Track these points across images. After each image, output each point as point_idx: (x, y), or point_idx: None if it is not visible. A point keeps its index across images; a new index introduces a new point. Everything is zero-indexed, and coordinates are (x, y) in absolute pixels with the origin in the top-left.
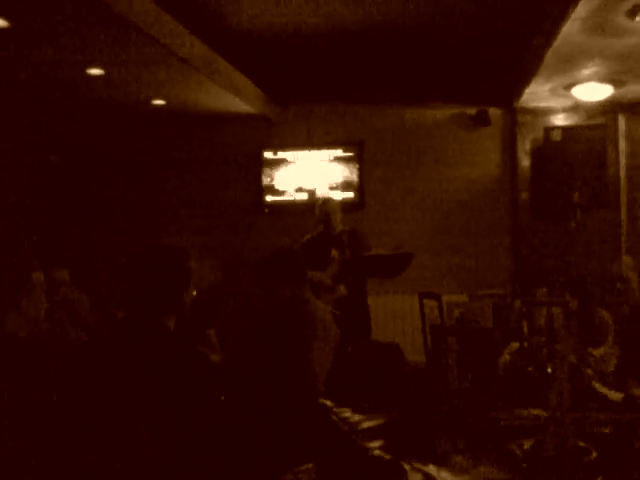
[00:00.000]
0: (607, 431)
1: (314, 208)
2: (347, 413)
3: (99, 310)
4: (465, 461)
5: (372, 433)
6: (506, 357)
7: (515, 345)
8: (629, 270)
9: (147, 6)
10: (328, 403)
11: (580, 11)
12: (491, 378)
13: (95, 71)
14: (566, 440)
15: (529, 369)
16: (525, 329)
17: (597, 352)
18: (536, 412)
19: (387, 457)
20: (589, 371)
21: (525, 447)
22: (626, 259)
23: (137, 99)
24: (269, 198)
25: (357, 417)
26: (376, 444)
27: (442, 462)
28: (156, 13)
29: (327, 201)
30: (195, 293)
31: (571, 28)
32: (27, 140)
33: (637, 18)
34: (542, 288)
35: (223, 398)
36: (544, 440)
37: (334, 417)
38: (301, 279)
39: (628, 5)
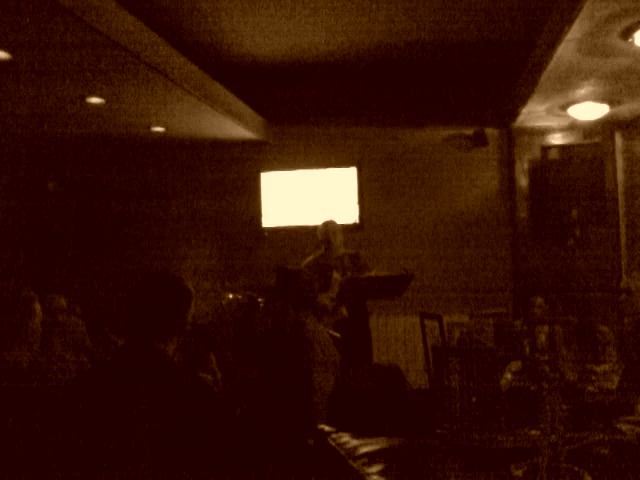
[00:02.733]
0: (605, 452)
1: (314, 230)
2: (345, 438)
3: (97, 336)
4: None
5: (371, 458)
6: (508, 377)
7: (517, 364)
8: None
9: (147, 35)
10: (326, 428)
11: (575, 32)
12: (494, 398)
13: (94, 100)
14: (559, 463)
15: (532, 388)
16: (527, 348)
17: (600, 369)
18: (538, 432)
19: None
20: (591, 388)
21: (523, 469)
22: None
23: (136, 126)
24: (268, 221)
25: (355, 442)
26: (375, 469)
27: None
28: (155, 42)
29: (328, 223)
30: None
31: (566, 49)
32: (25, 168)
33: (630, 39)
34: (538, 297)
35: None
36: (538, 463)
37: (331, 442)
38: (301, 302)
39: (622, 26)
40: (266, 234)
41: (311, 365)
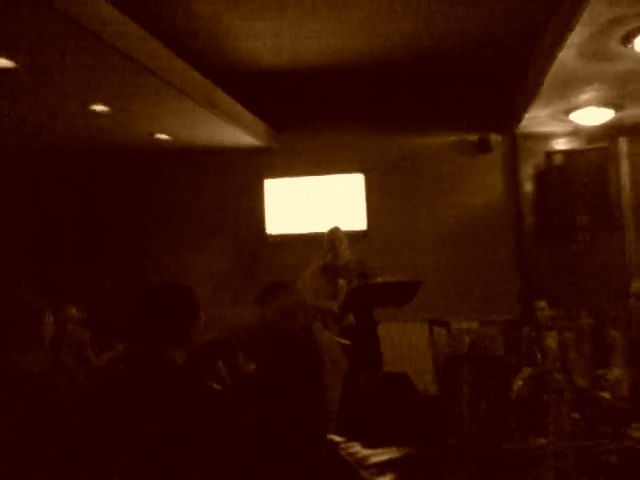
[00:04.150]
0: (614, 460)
1: (319, 237)
2: (356, 448)
3: (103, 344)
4: None
5: (381, 468)
6: (519, 384)
7: (527, 371)
8: None
9: (150, 43)
10: (336, 438)
11: (575, 37)
12: (504, 406)
13: (99, 107)
14: (566, 472)
15: (543, 396)
16: (538, 354)
17: (611, 375)
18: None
19: None
20: (605, 394)
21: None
22: None
23: (140, 133)
24: (272, 228)
25: (366, 452)
26: (386, 479)
27: None
28: (159, 49)
29: (334, 230)
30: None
31: (567, 54)
32: (30, 176)
33: (630, 45)
34: (541, 301)
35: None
36: (544, 472)
37: (342, 452)
38: (299, 312)
39: (622, 32)
40: (270, 241)
41: (318, 372)
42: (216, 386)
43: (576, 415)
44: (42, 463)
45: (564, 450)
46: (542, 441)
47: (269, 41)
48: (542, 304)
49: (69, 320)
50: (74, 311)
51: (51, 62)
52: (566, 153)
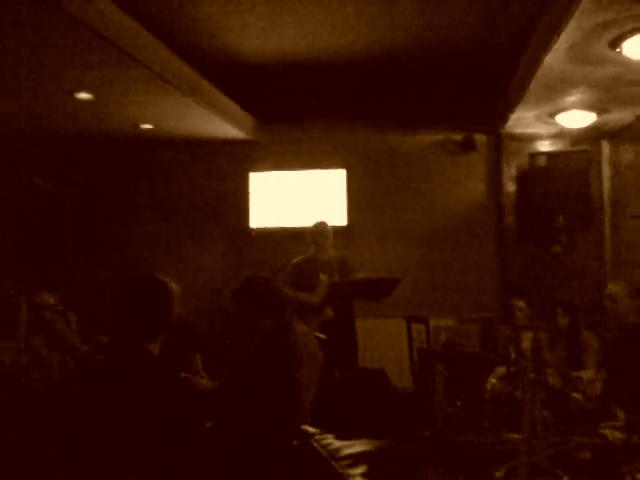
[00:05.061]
0: (587, 456)
1: (302, 231)
2: (329, 439)
3: (84, 336)
4: None
5: (354, 460)
6: (492, 382)
7: (501, 370)
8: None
9: (136, 31)
10: (310, 429)
11: (563, 41)
12: (478, 403)
13: (83, 95)
14: (538, 466)
15: (516, 394)
16: (512, 354)
17: (584, 375)
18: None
19: None
20: (576, 395)
21: (503, 472)
22: (620, 284)
23: (125, 123)
24: (256, 221)
25: (339, 443)
26: (358, 471)
27: None
28: (145, 38)
29: (318, 225)
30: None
31: (555, 58)
32: (13, 165)
33: (618, 49)
34: (520, 301)
35: (209, 424)
36: (518, 466)
37: (315, 444)
38: (280, 306)
39: (610, 36)
40: (253, 234)
41: (295, 365)
42: (204, 382)
43: (546, 413)
44: (17, 452)
45: (537, 445)
46: (515, 436)
47: (257, 34)
48: (520, 303)
49: (45, 308)
50: (50, 298)
51: (35, 49)
52: (549, 155)
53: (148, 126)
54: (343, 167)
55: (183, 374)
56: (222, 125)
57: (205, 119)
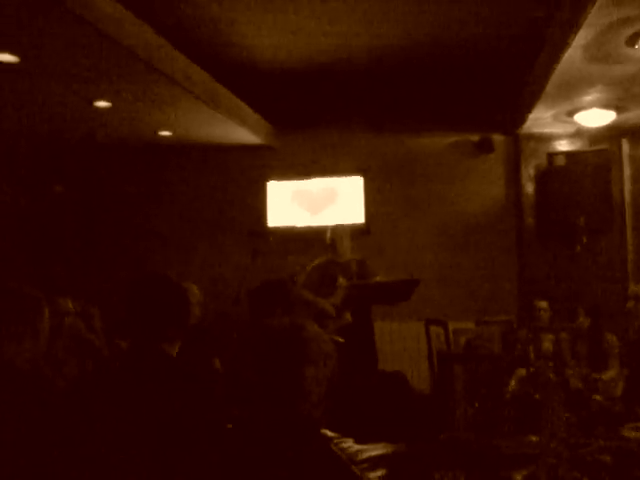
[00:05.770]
0: (607, 459)
1: (321, 235)
2: (348, 443)
3: (106, 338)
4: None
5: (373, 463)
6: (512, 384)
7: (522, 372)
8: None
9: (154, 39)
10: (329, 433)
11: (580, 39)
12: (498, 405)
13: (102, 103)
14: (558, 470)
15: (536, 396)
16: (532, 355)
17: (606, 376)
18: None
19: None
20: (597, 397)
21: (523, 475)
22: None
23: (143, 130)
24: (274, 226)
25: (358, 447)
26: (377, 474)
27: None
28: (162, 46)
29: (336, 228)
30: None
31: (572, 56)
32: (32, 171)
33: (637, 46)
34: (542, 301)
35: (229, 426)
36: (537, 469)
37: (333, 447)
38: (294, 308)
39: (627, 33)
40: (271, 239)
41: (306, 367)
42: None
43: (568, 415)
44: (34, 457)
45: (557, 448)
46: (535, 439)
47: (274, 40)
48: (543, 304)
49: (67, 314)
50: (70, 304)
51: (55, 58)
52: (568, 154)
53: (166, 133)
54: (360, 172)
55: (204, 375)
56: (239, 131)
57: (222, 125)
